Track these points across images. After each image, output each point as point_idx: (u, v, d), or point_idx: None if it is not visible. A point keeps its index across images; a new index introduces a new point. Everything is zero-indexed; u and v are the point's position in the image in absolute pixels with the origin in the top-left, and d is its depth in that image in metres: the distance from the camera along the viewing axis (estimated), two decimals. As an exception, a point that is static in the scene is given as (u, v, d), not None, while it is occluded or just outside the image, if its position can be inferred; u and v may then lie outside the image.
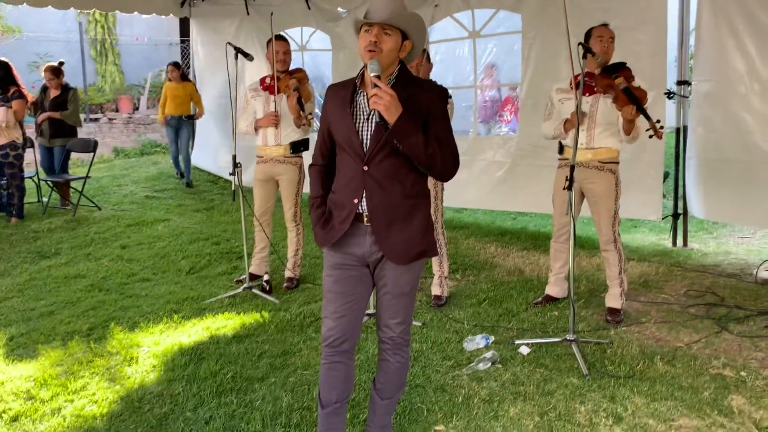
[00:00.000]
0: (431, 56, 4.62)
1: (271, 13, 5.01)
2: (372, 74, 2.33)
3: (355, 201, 2.47)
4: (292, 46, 8.10)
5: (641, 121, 3.94)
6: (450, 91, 4.50)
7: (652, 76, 5.43)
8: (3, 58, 7.13)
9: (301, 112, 4.64)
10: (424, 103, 2.43)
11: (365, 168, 2.44)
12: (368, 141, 2.45)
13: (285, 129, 4.79)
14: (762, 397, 3.23)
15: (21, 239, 6.50)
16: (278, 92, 4.76)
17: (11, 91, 7.02)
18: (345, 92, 2.52)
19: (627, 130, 3.97)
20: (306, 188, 4.98)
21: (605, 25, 4.16)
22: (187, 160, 9.16)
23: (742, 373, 3.48)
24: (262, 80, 4.91)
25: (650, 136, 3.89)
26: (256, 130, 4.86)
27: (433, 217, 4.51)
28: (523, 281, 5.05)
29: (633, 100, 3.87)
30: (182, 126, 9.06)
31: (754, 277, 5.02)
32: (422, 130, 2.40)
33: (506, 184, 6.56)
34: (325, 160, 2.65)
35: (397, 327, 2.61)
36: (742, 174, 5.39)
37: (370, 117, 2.45)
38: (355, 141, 2.46)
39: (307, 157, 4.99)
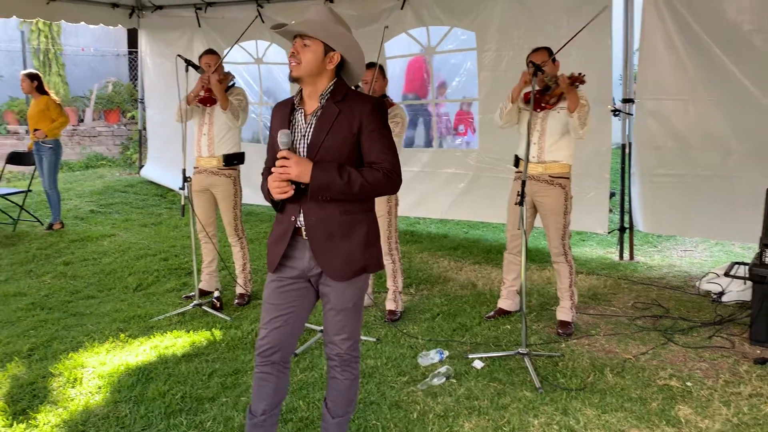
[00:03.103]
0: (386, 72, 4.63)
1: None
2: (282, 148, 2.36)
3: (293, 218, 2.48)
4: (248, 58, 8.09)
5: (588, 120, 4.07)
6: (406, 106, 4.57)
7: (598, 95, 5.59)
8: None
9: (225, 93, 4.63)
10: (357, 116, 2.42)
11: (302, 186, 2.42)
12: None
13: (218, 140, 4.75)
14: (707, 407, 3.32)
15: (-44, 256, 6.22)
16: (210, 104, 4.74)
17: None
18: (285, 110, 2.53)
19: (571, 107, 4.00)
20: (244, 199, 4.97)
21: (537, 50, 4.23)
22: (50, 196, 7.29)
23: (688, 383, 3.57)
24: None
25: (576, 86, 3.98)
26: (190, 112, 4.75)
27: (387, 233, 4.51)
28: (476, 295, 5.08)
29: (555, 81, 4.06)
30: (40, 153, 7.20)
31: (697, 288, 5.18)
32: (352, 150, 2.40)
33: (469, 195, 6.68)
34: None
35: (343, 343, 2.58)
36: (685, 188, 5.59)
37: (307, 134, 2.46)
38: (309, 155, 2.45)
39: (243, 170, 4.96)
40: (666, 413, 3.26)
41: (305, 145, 2.45)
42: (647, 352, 4.01)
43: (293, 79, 2.44)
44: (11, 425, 3.18)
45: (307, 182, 2.36)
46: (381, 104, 2.50)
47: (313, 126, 2.45)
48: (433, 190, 6.88)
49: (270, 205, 2.57)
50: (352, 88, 2.55)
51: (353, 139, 2.41)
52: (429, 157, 7.04)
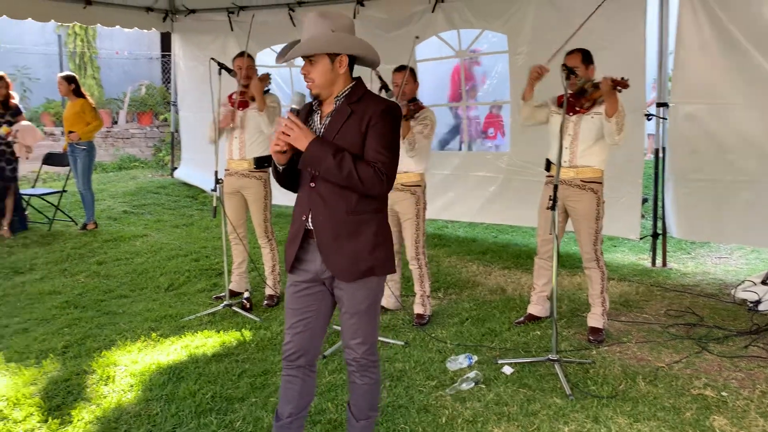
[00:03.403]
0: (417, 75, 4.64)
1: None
2: (292, 105, 2.48)
3: (303, 218, 2.53)
4: (279, 61, 8.16)
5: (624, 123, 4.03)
6: (437, 109, 4.59)
7: (632, 99, 5.51)
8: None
9: (263, 95, 4.69)
10: (367, 116, 2.43)
11: (312, 185, 2.49)
12: None
13: (249, 143, 4.80)
14: (743, 418, 3.24)
15: (-6, 254, 6.37)
16: (243, 107, 4.79)
17: (14, 106, 6.97)
18: (305, 112, 2.59)
19: (609, 111, 3.95)
20: (274, 201, 5.01)
21: (572, 52, 4.19)
22: (84, 197, 7.43)
23: (723, 393, 3.49)
24: (230, 96, 4.93)
25: (619, 91, 3.93)
26: (221, 134, 4.82)
27: (415, 236, 4.51)
28: (506, 300, 5.04)
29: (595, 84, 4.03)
30: (74, 154, 7.31)
31: (732, 297, 5.07)
32: (361, 150, 2.42)
33: (499, 198, 6.65)
34: None
35: (358, 347, 2.58)
36: (720, 193, 5.47)
37: (320, 133, 2.50)
38: None
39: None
40: (700, 423, 3.19)
41: None
42: (681, 361, 3.93)
43: (315, 97, 2.52)
44: (46, 420, 3.24)
45: (301, 149, 2.41)
46: (393, 108, 2.49)
47: (326, 126, 2.50)
48: (463, 193, 6.86)
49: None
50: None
51: (362, 138, 2.43)
52: (460, 160, 7.02)
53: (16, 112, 6.96)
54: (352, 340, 2.58)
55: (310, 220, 2.51)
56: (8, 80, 6.95)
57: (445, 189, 6.81)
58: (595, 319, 4.31)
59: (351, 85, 2.50)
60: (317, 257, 2.52)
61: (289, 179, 2.60)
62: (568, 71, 3.90)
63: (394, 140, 2.48)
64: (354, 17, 7.06)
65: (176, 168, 10.16)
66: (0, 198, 6.94)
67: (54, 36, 12.99)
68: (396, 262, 4.73)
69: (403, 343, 4.20)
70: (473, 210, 6.87)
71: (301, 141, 2.41)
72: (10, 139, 6.79)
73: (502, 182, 6.62)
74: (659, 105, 5.77)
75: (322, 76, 2.44)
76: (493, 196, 6.68)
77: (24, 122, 7.06)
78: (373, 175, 2.41)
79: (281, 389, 2.66)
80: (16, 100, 7.11)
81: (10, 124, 6.83)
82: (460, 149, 8.15)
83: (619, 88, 3.90)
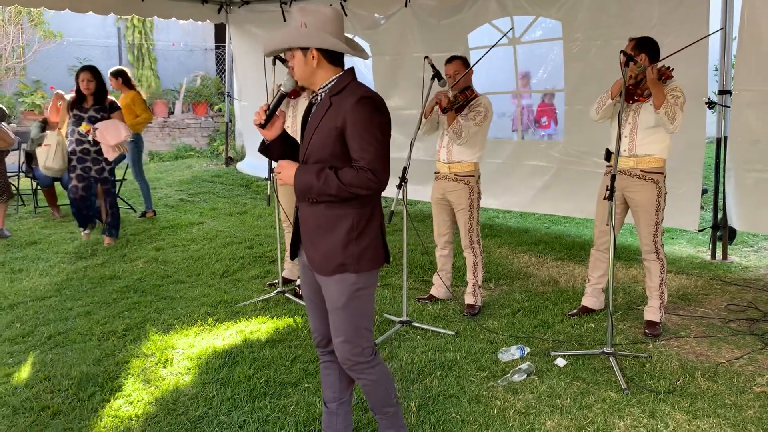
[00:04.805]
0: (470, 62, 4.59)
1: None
2: (282, 90, 2.57)
3: (296, 208, 2.59)
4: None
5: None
6: (491, 97, 4.54)
7: (693, 86, 5.32)
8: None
9: None
10: (342, 110, 2.38)
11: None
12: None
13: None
14: (809, 418, 3.12)
15: (59, 239, 6.62)
16: (294, 96, 4.82)
17: (109, 101, 6.39)
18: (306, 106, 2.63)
19: (656, 104, 3.85)
20: None
21: (633, 40, 4.06)
22: (139, 186, 7.55)
23: (788, 392, 3.37)
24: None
25: (665, 81, 3.85)
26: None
27: (468, 226, 4.48)
28: (558, 292, 4.97)
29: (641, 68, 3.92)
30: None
31: (798, 292, 4.88)
32: (336, 144, 2.40)
33: (552, 188, 6.55)
34: None
35: (341, 346, 2.53)
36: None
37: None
38: (302, 149, 2.55)
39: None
40: (763, 422, 3.09)
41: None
42: (742, 357, 3.81)
43: (302, 88, 2.55)
44: (108, 401, 3.36)
45: (292, 183, 2.46)
46: (367, 97, 2.39)
47: (309, 120, 2.51)
48: (516, 183, 6.79)
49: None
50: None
51: (337, 133, 2.38)
52: (512, 148, 6.94)
53: (111, 108, 6.37)
54: (336, 337, 2.53)
55: (299, 211, 2.55)
56: (93, 74, 6.28)
57: (497, 178, 6.74)
58: (652, 312, 4.21)
59: (336, 76, 2.46)
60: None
61: (276, 154, 2.64)
62: (628, 58, 3.79)
63: (373, 130, 2.38)
64: (405, 5, 7.03)
65: (231, 158, 10.35)
66: (89, 199, 6.39)
67: (114, 29, 13.36)
68: (447, 252, 4.74)
69: (453, 333, 4.19)
70: (526, 200, 6.78)
71: (289, 176, 2.45)
72: (89, 137, 6.22)
73: (555, 172, 6.50)
74: (721, 92, 5.56)
75: (299, 68, 2.46)
76: (546, 186, 6.58)
77: (109, 120, 6.33)
78: (356, 176, 2.36)
79: (321, 376, 2.73)
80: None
81: (95, 120, 6.21)
82: (513, 137, 8.04)
83: (664, 79, 3.79)
